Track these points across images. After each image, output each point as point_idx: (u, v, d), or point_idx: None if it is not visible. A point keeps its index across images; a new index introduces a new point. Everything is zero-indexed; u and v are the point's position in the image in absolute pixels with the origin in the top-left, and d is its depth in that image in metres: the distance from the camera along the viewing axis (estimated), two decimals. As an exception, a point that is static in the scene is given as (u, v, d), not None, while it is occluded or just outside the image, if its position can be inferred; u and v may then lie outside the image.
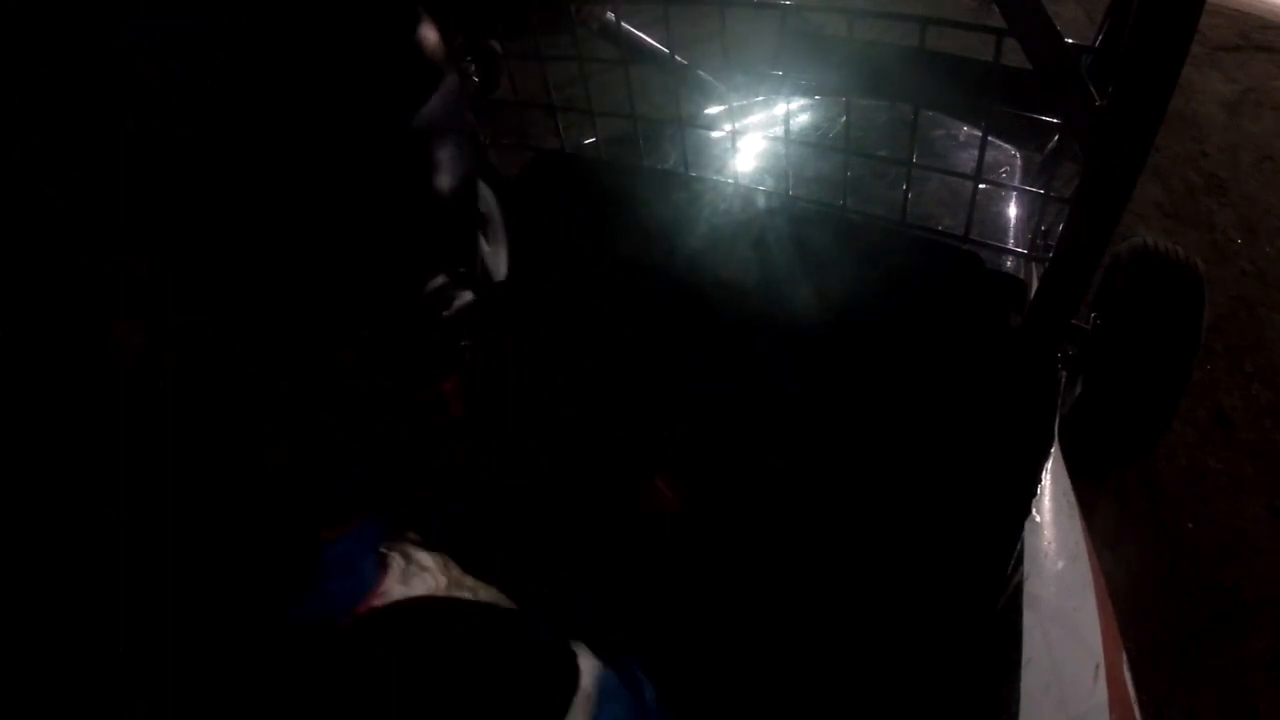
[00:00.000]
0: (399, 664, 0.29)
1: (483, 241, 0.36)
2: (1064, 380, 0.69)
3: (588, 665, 0.34)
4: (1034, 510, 0.59)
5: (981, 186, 0.63)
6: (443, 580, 0.39)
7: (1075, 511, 0.63)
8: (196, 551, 0.23)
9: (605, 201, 0.87)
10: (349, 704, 0.28)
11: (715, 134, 1.00)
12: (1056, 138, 1.11)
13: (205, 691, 0.26)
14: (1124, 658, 0.57)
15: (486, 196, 0.34)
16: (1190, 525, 1.47)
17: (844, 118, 0.94)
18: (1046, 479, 0.61)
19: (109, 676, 0.25)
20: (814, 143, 1.03)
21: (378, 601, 0.32)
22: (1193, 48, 0.47)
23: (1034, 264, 0.78)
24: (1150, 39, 0.47)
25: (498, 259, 0.33)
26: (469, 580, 0.42)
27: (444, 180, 0.31)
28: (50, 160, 0.18)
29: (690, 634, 0.75)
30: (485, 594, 0.42)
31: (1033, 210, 0.87)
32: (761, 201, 0.79)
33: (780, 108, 1.17)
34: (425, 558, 0.39)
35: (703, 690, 0.70)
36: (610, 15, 0.94)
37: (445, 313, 0.32)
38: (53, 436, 0.19)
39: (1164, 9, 0.46)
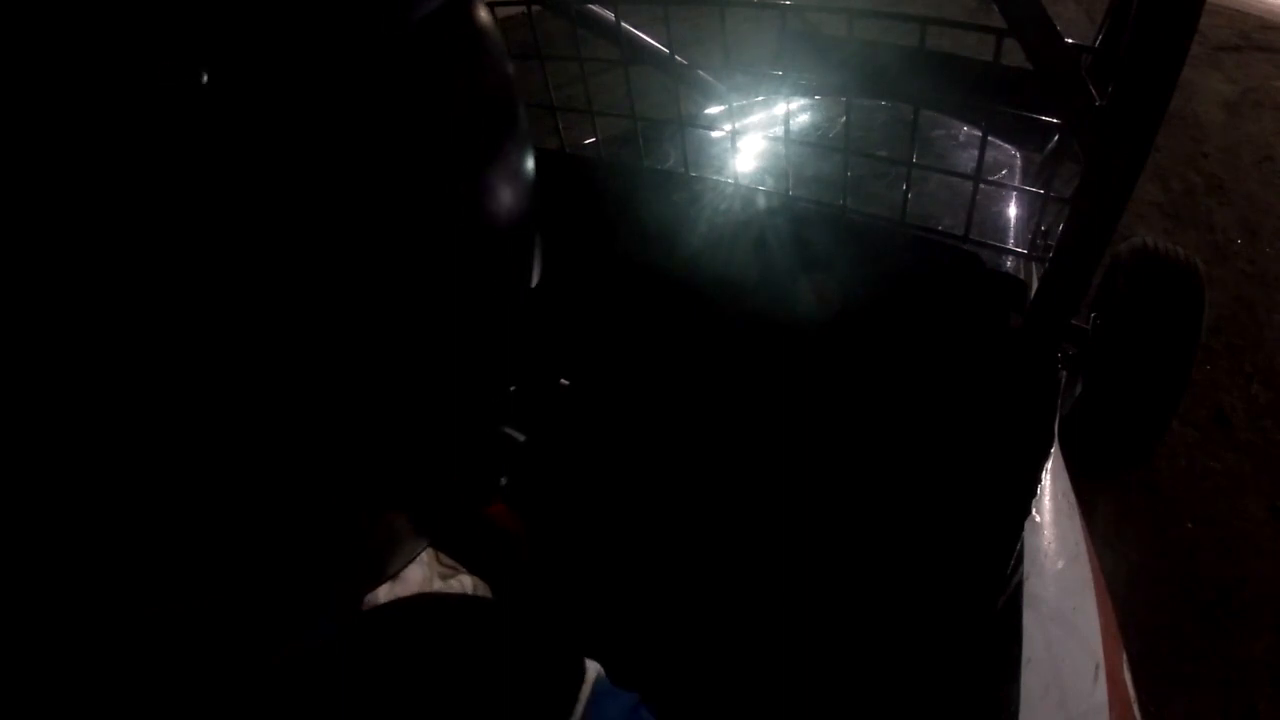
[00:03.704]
0: (393, 671, 0.28)
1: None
2: (1064, 380, 0.69)
3: (588, 665, 0.33)
4: (1034, 510, 0.59)
5: (981, 186, 0.63)
6: (434, 572, 0.38)
7: (1075, 511, 0.63)
8: (199, 554, 0.23)
9: (605, 201, 0.87)
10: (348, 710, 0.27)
11: (715, 134, 1.00)
12: (1056, 138, 1.12)
13: (206, 697, 0.26)
14: (1124, 658, 0.57)
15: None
16: (1190, 525, 1.47)
17: (844, 118, 0.94)
18: (1046, 479, 0.61)
19: (110, 677, 0.25)
20: (814, 143, 1.03)
21: (365, 605, 0.32)
22: (1193, 48, 0.47)
23: (1034, 264, 0.78)
24: (1150, 39, 0.47)
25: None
26: (462, 573, 0.41)
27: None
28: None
29: (689, 632, 0.75)
30: (479, 588, 0.42)
31: (1033, 210, 0.87)
32: (761, 201, 0.79)
33: (780, 108, 1.17)
34: None
35: (701, 689, 0.70)
36: (610, 15, 0.94)
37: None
38: (53, 437, 0.19)
39: (1164, 9, 0.46)
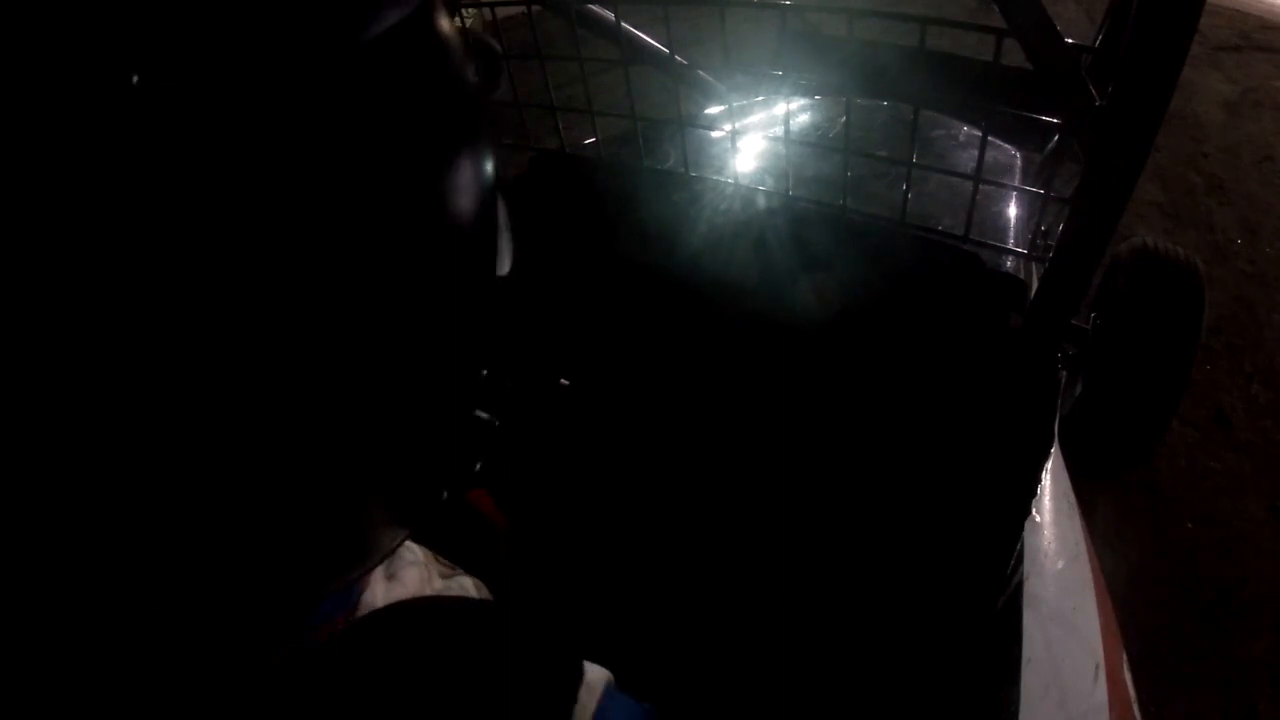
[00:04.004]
0: (392, 674, 0.28)
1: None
2: (1064, 380, 0.69)
3: (597, 672, 0.33)
4: (1034, 510, 0.59)
5: (981, 186, 0.63)
6: (432, 573, 0.38)
7: (1075, 511, 0.63)
8: (199, 553, 0.23)
9: (605, 201, 0.87)
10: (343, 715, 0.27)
11: (715, 134, 1.00)
12: (1056, 138, 1.12)
13: (207, 697, 0.26)
14: (1124, 658, 0.57)
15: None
16: (1190, 525, 1.47)
17: (844, 118, 0.94)
18: (1046, 479, 0.61)
19: (110, 677, 0.25)
20: (814, 143, 1.03)
21: (362, 607, 0.32)
22: (1193, 48, 0.47)
23: (1034, 264, 0.78)
24: (1150, 39, 0.47)
25: (504, 257, 0.32)
26: (460, 574, 0.41)
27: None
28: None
29: (689, 633, 0.75)
30: (478, 589, 0.42)
31: (1033, 210, 0.87)
32: (761, 201, 0.79)
33: (780, 108, 1.17)
34: (412, 549, 0.38)
35: (700, 690, 0.70)
36: (610, 15, 0.94)
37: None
38: (51, 438, 0.19)
39: (1164, 9, 0.46)
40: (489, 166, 0.28)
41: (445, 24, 0.25)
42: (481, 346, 0.31)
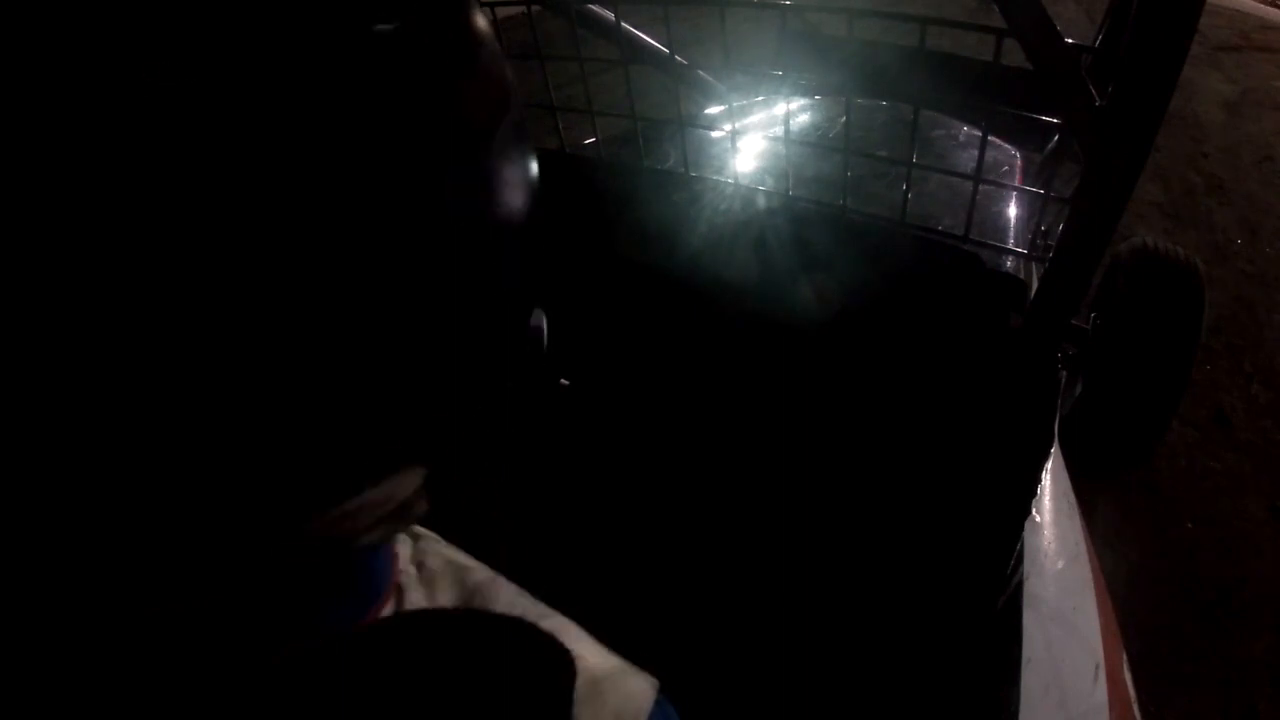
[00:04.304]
0: (410, 676, 0.28)
1: None
2: (1064, 380, 0.69)
3: (644, 683, 0.33)
4: (1034, 510, 0.59)
5: (981, 186, 0.63)
6: (460, 566, 0.38)
7: (1075, 511, 0.63)
8: (200, 552, 0.23)
9: (605, 201, 0.87)
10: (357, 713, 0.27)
11: (715, 134, 1.01)
12: (1056, 138, 1.12)
13: (220, 697, 0.26)
14: (1124, 658, 0.57)
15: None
16: (1190, 525, 1.47)
17: (844, 118, 0.94)
18: (1046, 479, 0.61)
19: (110, 677, 0.25)
20: (814, 143, 1.03)
21: (388, 605, 0.31)
22: (1193, 48, 0.47)
23: (1034, 264, 0.78)
24: (1150, 39, 0.47)
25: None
26: (500, 577, 0.41)
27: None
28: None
29: (690, 632, 0.75)
30: (503, 586, 0.42)
31: (1033, 210, 0.87)
32: (761, 201, 0.79)
33: (780, 108, 1.17)
34: (440, 542, 0.38)
35: (702, 690, 0.70)
36: (610, 15, 0.94)
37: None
38: (54, 437, 0.19)
39: (1164, 9, 0.46)
40: (532, 166, 0.31)
41: (482, 20, 0.26)
42: (533, 284, 0.33)
